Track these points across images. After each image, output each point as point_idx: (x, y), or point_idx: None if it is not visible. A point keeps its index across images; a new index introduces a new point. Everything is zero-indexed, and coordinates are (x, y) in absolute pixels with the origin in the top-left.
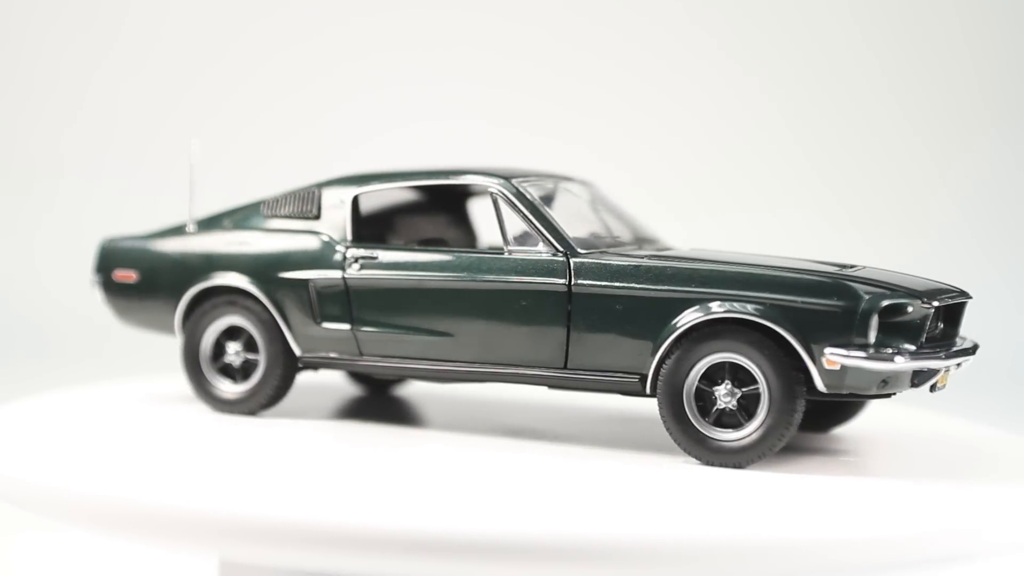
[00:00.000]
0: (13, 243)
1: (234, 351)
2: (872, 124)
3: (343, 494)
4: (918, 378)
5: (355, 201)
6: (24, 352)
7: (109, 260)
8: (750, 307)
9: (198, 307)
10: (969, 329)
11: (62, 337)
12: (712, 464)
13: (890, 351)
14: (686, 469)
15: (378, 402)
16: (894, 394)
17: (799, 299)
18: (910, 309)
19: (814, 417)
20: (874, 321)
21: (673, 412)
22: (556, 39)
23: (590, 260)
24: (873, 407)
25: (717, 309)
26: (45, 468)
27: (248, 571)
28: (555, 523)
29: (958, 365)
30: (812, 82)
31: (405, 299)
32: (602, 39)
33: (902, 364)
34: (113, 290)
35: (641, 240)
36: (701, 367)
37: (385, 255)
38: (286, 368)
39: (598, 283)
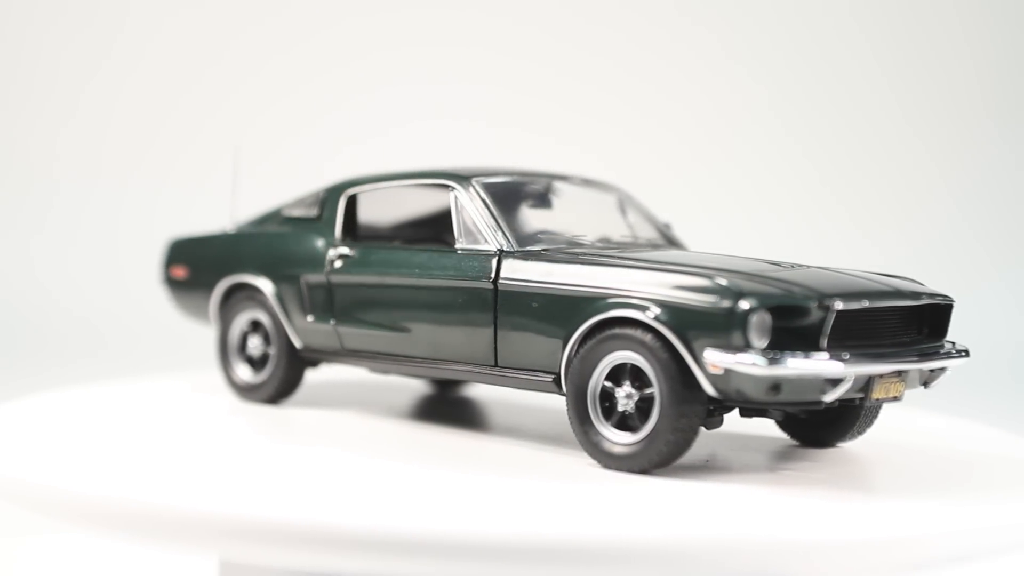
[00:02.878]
0: (13, 243)
1: (254, 343)
2: (872, 124)
3: (343, 494)
4: (832, 386)
5: (346, 202)
6: (24, 352)
7: (169, 258)
8: (643, 307)
9: (227, 301)
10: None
11: (62, 337)
12: (609, 468)
13: (775, 355)
14: (685, 473)
15: (386, 402)
16: (821, 403)
17: (685, 299)
18: (808, 311)
19: (813, 430)
20: (755, 322)
21: (577, 413)
22: (556, 39)
23: (516, 258)
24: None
25: (611, 310)
26: (45, 468)
27: (248, 571)
28: (552, 525)
29: (938, 371)
30: (812, 82)
31: (373, 295)
32: (602, 39)
33: (781, 369)
34: (171, 285)
35: (647, 243)
36: (604, 368)
37: (361, 253)
38: (291, 360)
39: (518, 281)
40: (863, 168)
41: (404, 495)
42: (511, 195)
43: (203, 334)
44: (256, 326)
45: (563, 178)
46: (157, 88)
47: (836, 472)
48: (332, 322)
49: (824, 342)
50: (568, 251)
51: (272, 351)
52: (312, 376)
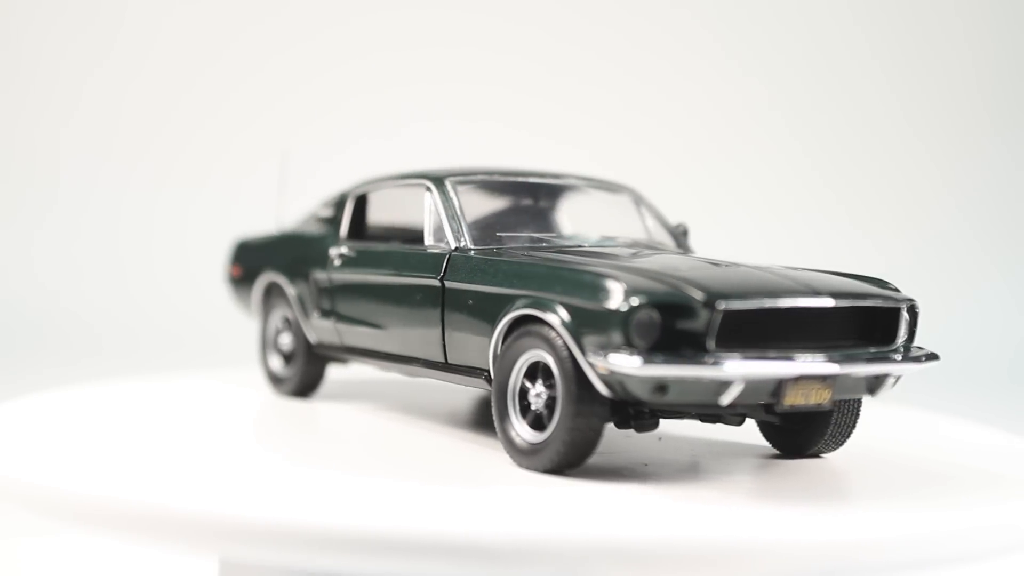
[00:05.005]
0: (13, 243)
1: (285, 339)
2: (874, 125)
3: (343, 494)
4: (724, 389)
5: (353, 203)
6: (24, 352)
7: (231, 258)
8: (548, 307)
9: (267, 298)
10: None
11: (62, 337)
12: (521, 466)
13: (654, 355)
14: (689, 471)
15: (405, 402)
16: (719, 405)
17: (580, 299)
18: (695, 310)
19: (788, 438)
20: (638, 321)
21: (498, 409)
22: (557, 39)
23: (460, 257)
24: (869, 409)
25: (521, 308)
26: (45, 468)
27: (248, 571)
28: (550, 525)
29: (884, 377)
30: (813, 82)
31: (360, 293)
32: (603, 39)
33: (657, 369)
34: (231, 283)
35: (645, 247)
36: (521, 365)
37: (356, 252)
38: (310, 356)
39: (458, 279)
40: (865, 168)
41: (405, 496)
42: (490, 195)
43: (201, 335)
44: (288, 322)
45: (562, 178)
46: (158, 88)
47: (830, 471)
48: (333, 319)
49: (711, 343)
50: (515, 250)
51: (295, 346)
52: (341, 373)
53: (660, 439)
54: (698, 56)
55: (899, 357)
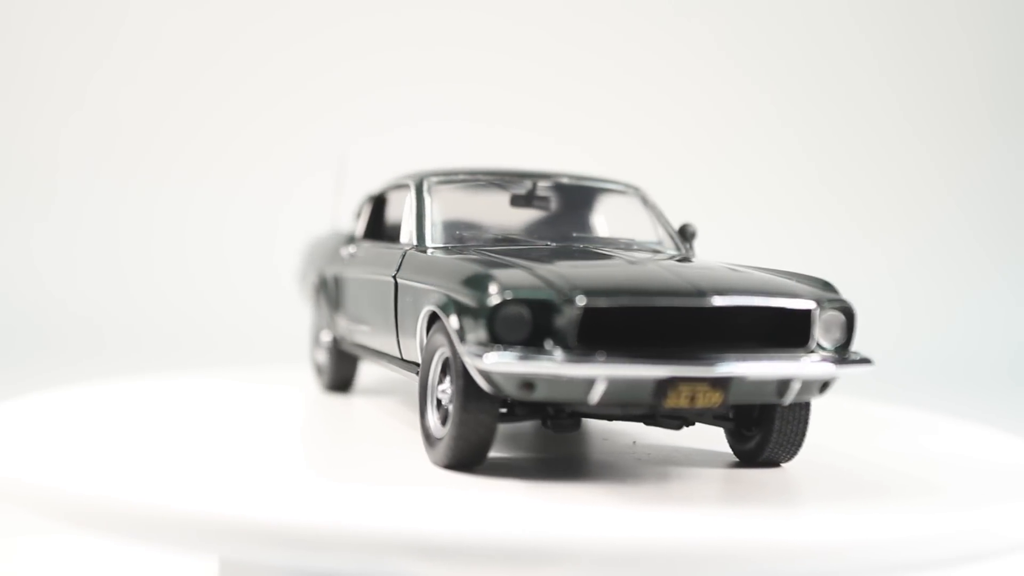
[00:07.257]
0: (13, 242)
1: (326, 335)
2: (874, 124)
3: (344, 494)
4: (590, 387)
5: (370, 204)
6: (24, 351)
7: (304, 256)
8: (443, 303)
9: (317, 296)
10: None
11: (62, 337)
12: (430, 460)
13: (517, 352)
14: (695, 470)
15: (386, 402)
16: (587, 403)
17: (462, 294)
18: (557, 306)
19: (742, 445)
20: (502, 316)
21: (420, 404)
22: (556, 39)
23: (410, 254)
24: (868, 410)
25: (427, 303)
26: (44, 468)
27: (248, 571)
28: (549, 526)
29: (796, 382)
30: (814, 83)
31: (355, 291)
32: (602, 39)
33: (518, 365)
34: (298, 278)
35: (626, 247)
36: (437, 361)
37: (358, 251)
38: (338, 352)
39: (405, 276)
40: (865, 168)
41: (404, 493)
42: (483, 196)
43: (200, 335)
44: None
45: (562, 178)
46: (158, 87)
47: (831, 471)
48: (344, 316)
49: (573, 339)
50: (465, 248)
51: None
52: (380, 370)
53: (634, 443)
54: (699, 56)
55: (808, 361)
